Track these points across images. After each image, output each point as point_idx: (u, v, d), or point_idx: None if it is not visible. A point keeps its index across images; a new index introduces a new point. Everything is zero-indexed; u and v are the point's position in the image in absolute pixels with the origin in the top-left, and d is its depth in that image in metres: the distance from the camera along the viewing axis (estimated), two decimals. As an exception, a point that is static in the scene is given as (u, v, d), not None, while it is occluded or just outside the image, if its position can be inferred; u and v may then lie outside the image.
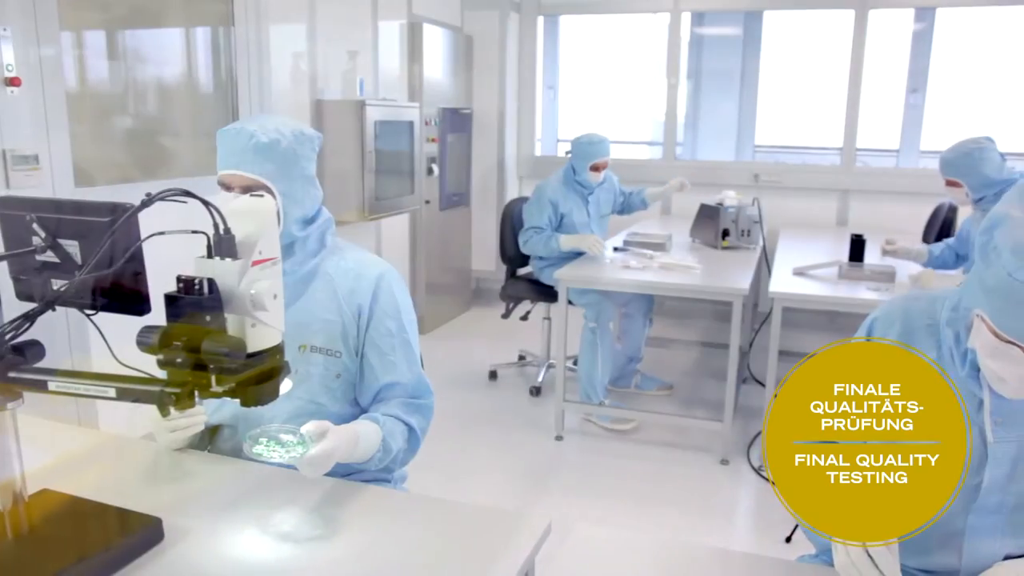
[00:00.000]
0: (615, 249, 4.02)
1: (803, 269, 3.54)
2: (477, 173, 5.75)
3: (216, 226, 1.10)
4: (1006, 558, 1.19)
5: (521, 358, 4.52)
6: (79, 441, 1.65)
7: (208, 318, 1.08)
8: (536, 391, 4.19)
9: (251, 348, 1.15)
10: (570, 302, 3.86)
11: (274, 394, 1.17)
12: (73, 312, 1.25)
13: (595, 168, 3.94)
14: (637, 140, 6.87)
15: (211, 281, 1.09)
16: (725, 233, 4.15)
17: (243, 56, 3.56)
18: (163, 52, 3.41)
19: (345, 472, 1.58)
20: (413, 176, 4.64)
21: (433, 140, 5.06)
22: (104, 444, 1.68)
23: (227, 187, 1.56)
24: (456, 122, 5.38)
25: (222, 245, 1.11)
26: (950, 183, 3.34)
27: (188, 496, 1.42)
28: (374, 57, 4.53)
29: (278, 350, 1.19)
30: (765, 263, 4.05)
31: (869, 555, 1.10)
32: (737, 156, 6.82)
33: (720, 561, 1.33)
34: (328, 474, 1.51)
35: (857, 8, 5.14)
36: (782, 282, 3.38)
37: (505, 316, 4.23)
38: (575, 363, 4.04)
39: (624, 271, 3.58)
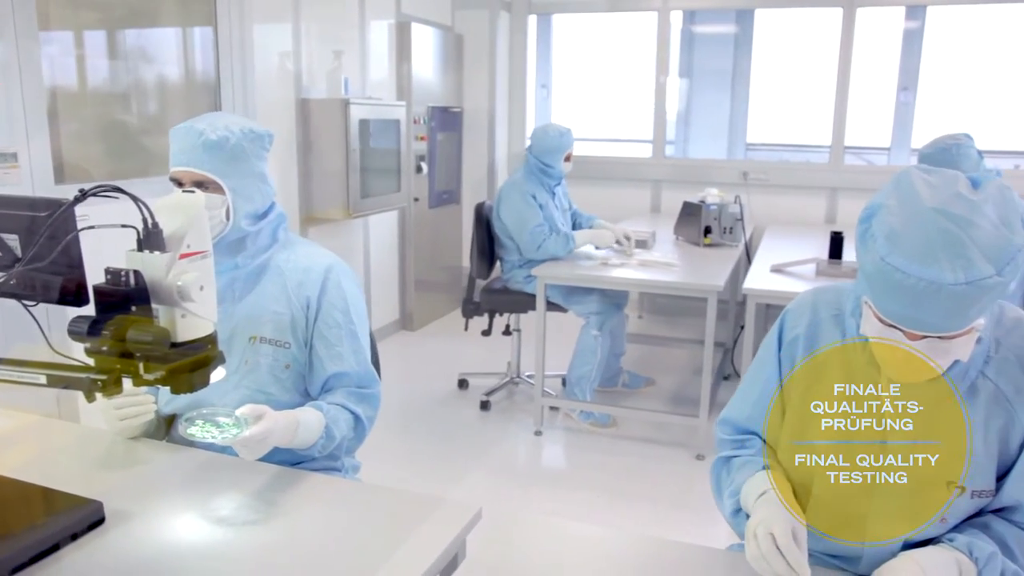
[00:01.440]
0: (597, 247, 4.05)
1: (781, 266, 3.57)
2: (468, 171, 5.79)
3: (145, 221, 1.14)
4: (906, 544, 1.22)
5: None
6: (40, 432, 1.70)
7: (134, 308, 1.13)
8: (486, 405, 4.00)
9: (182, 338, 1.20)
10: (563, 310, 3.87)
11: (204, 382, 1.21)
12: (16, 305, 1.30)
13: (567, 159, 3.96)
14: (632, 139, 6.89)
15: (137, 273, 1.13)
16: (707, 231, 4.18)
17: (226, 56, 3.61)
18: (146, 51, 3.46)
19: (295, 460, 1.63)
20: (399, 174, 4.68)
21: (422, 138, 5.10)
22: (64, 433, 1.73)
23: (179, 183, 1.61)
24: (446, 120, 5.43)
25: (150, 239, 1.15)
26: None
27: (135, 482, 1.47)
28: (362, 56, 4.57)
29: (210, 340, 1.24)
30: (747, 260, 4.08)
31: (777, 547, 1.13)
32: (729, 154, 6.84)
33: (655, 549, 1.36)
34: (277, 462, 1.56)
35: (845, 6, 5.16)
36: (758, 279, 3.41)
37: (487, 333, 4.07)
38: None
39: (602, 268, 3.62)
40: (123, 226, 1.16)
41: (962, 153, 3.28)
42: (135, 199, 1.14)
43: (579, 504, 3.10)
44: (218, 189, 1.60)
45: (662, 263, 3.68)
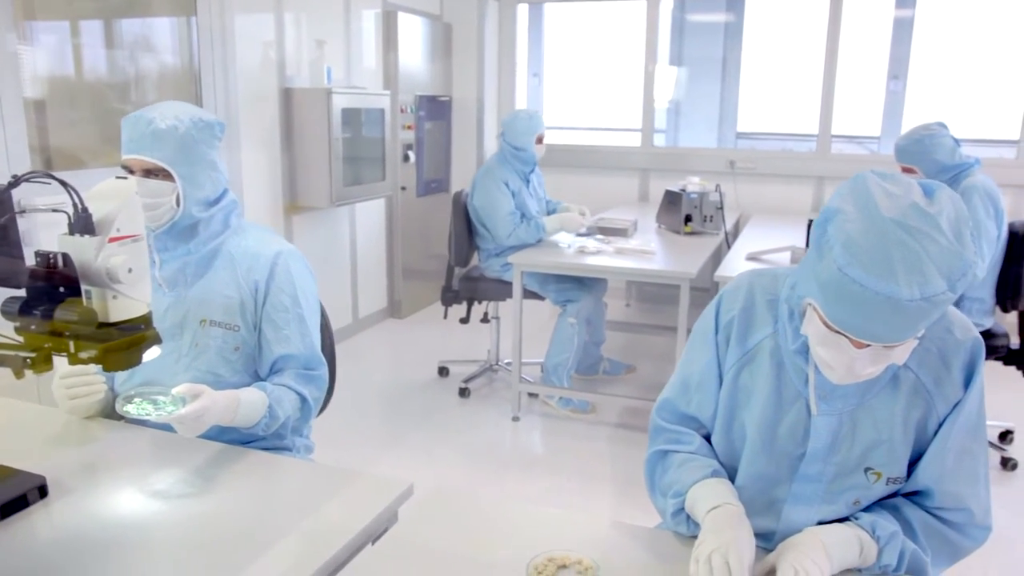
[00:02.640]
0: (578, 234, 4.09)
1: (756, 254, 3.60)
2: (457, 160, 5.82)
3: (75, 206, 1.19)
4: (819, 523, 1.25)
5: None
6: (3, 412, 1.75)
7: (62, 289, 1.18)
8: (465, 392, 4.03)
9: (114, 318, 1.25)
10: (540, 298, 3.91)
11: (136, 361, 1.26)
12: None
13: (539, 141, 3.98)
14: (623, 127, 6.90)
15: (66, 255, 1.18)
16: (688, 219, 4.21)
17: (206, 45, 3.65)
18: (126, 41, 3.51)
19: (244, 440, 1.69)
20: (384, 163, 4.71)
21: (409, 127, 5.14)
22: (19, 412, 1.77)
23: (130, 171, 1.66)
24: (434, 109, 5.46)
25: (80, 223, 1.20)
26: (905, 170, 3.38)
27: (83, 458, 1.52)
28: (347, 45, 4.61)
29: (144, 320, 1.29)
30: (728, 248, 4.10)
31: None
32: (719, 143, 6.84)
33: (588, 526, 1.40)
34: (227, 441, 1.62)
35: (833, -6, 5.15)
36: (731, 266, 3.44)
37: (464, 320, 4.11)
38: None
39: (579, 255, 3.65)
40: (54, 210, 1.21)
41: (937, 143, 3.30)
42: (65, 185, 1.19)
43: (550, 487, 3.15)
44: (168, 177, 1.65)
45: (639, 251, 3.71)
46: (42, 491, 1.37)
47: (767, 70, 6.43)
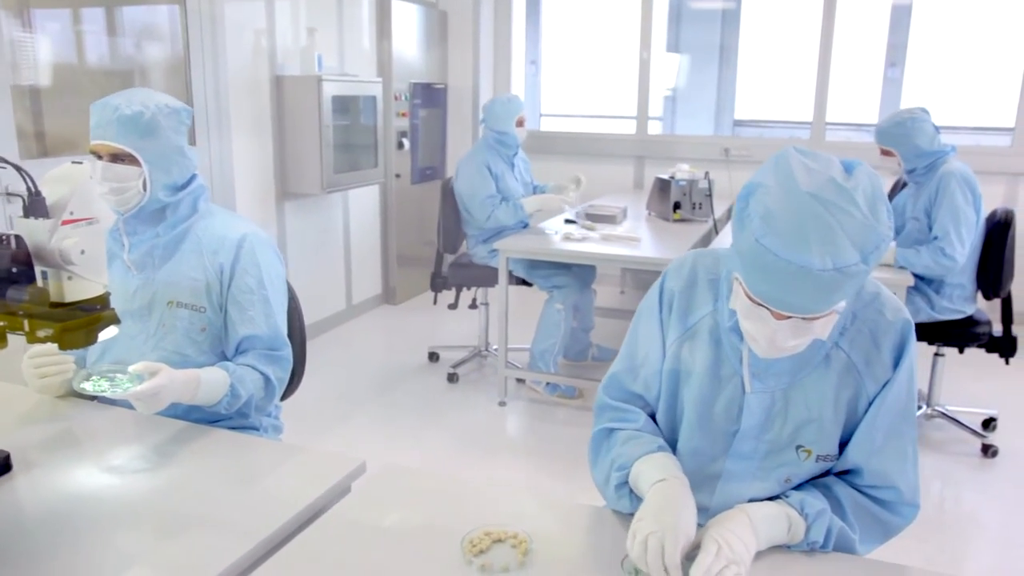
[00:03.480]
0: (566, 221, 4.12)
1: (741, 241, 3.61)
2: (453, 148, 5.84)
3: (28, 189, 1.23)
4: (750, 500, 1.29)
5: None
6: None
7: (15, 270, 1.22)
8: (453, 377, 4.07)
9: (69, 298, 1.30)
10: (529, 284, 3.94)
11: (92, 340, 1.31)
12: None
13: (520, 123, 4.01)
14: (622, 115, 6.90)
15: (19, 237, 1.22)
16: (676, 206, 4.22)
17: (196, 33, 3.68)
18: (116, 29, 3.55)
19: (210, 419, 1.73)
20: (376, 150, 4.74)
21: (403, 115, 5.17)
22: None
23: (98, 156, 1.70)
24: (429, 97, 5.48)
25: (34, 206, 1.24)
26: (884, 152, 3.40)
27: (50, 436, 1.57)
28: (339, 33, 4.63)
29: (100, 300, 1.33)
30: (715, 235, 4.12)
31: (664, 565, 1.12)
32: (716, 131, 6.83)
33: (531, 503, 1.44)
34: (194, 420, 1.66)
35: (828, -19, 5.13)
36: (715, 253, 3.45)
37: (453, 306, 4.14)
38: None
39: (565, 242, 3.68)
40: (8, 194, 1.26)
41: (917, 127, 3.30)
42: (19, 169, 1.23)
43: (533, 471, 3.19)
44: (135, 162, 1.69)
45: (625, 238, 3.74)
46: (6, 465, 1.42)
47: (765, 57, 6.41)
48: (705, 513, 1.32)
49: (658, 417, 1.41)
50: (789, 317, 1.12)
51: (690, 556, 1.15)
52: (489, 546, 1.21)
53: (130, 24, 3.61)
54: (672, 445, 1.38)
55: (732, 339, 1.29)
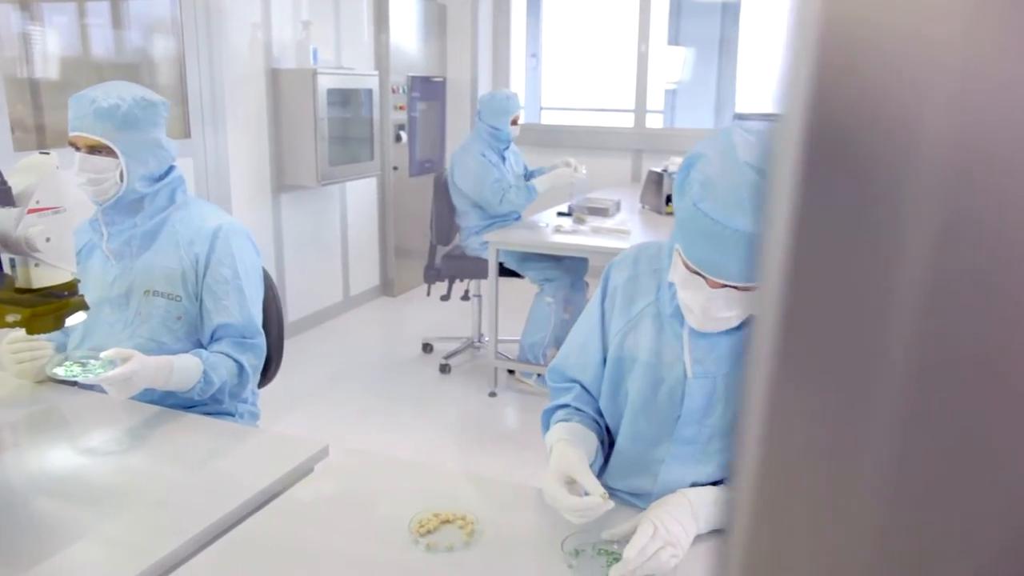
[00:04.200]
0: (559, 214, 4.14)
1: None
2: (452, 141, 5.87)
3: (-5, 179, 1.28)
4: (693, 485, 1.32)
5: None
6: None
7: (-20, 257, 1.27)
8: (445, 368, 4.09)
9: (37, 284, 1.34)
10: (522, 276, 3.97)
11: (59, 325, 1.35)
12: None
13: (515, 122, 4.04)
14: (624, 108, 6.91)
15: (-15, 226, 1.27)
16: (669, 199, 4.23)
17: (190, 27, 3.73)
18: (112, 23, 3.60)
19: (186, 404, 1.78)
20: (372, 143, 4.78)
21: (401, 108, 5.20)
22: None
23: (76, 147, 1.74)
24: (427, 90, 5.51)
25: None
26: None
27: (29, 419, 1.62)
28: (336, 26, 4.67)
29: (68, 287, 1.38)
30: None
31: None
32: (717, 124, 6.82)
33: (484, 486, 1.48)
34: (170, 405, 1.71)
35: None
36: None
37: (445, 298, 4.19)
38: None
39: (554, 234, 3.71)
40: (-24, 184, 1.30)
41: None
42: (-14, 160, 1.28)
43: (519, 461, 3.23)
44: (112, 153, 1.73)
45: (615, 230, 3.76)
46: (-18, 447, 1.47)
47: (766, 50, 6.38)
48: (648, 497, 1.36)
49: (602, 404, 1.45)
50: (724, 286, 1.16)
51: (628, 538, 1.18)
52: (437, 526, 1.25)
53: (128, 17, 3.65)
54: (615, 431, 1.43)
55: (674, 325, 1.32)
